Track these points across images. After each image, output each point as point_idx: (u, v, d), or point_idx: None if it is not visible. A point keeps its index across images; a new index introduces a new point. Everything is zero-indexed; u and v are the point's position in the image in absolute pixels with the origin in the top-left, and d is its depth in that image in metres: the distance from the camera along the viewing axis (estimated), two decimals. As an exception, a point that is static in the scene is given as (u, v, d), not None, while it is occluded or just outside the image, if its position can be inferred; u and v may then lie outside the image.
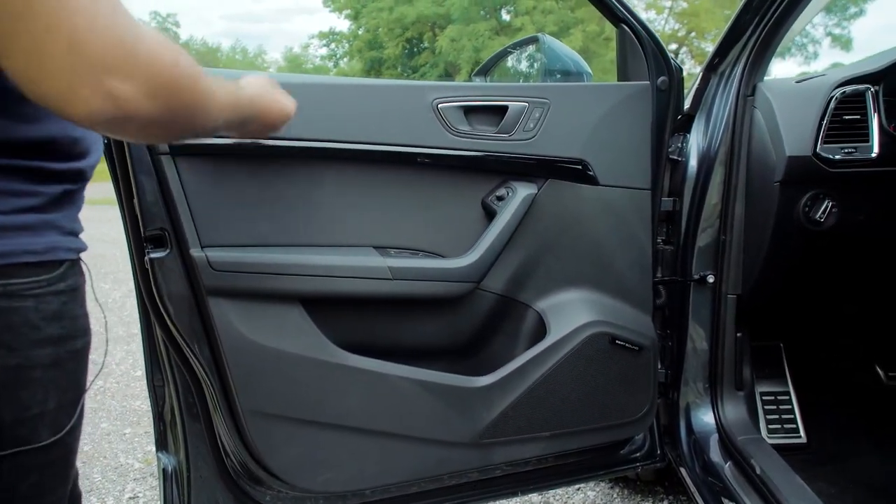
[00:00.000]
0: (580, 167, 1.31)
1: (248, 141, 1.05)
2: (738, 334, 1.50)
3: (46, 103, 0.51)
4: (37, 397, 0.66)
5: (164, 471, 1.23)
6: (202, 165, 1.07)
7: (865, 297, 1.54)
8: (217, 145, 1.06)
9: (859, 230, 1.40)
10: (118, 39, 0.51)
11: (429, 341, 1.30)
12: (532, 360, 1.27)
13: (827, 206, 1.37)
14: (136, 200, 1.07)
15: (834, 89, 1.34)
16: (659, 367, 1.44)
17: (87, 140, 0.71)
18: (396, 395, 1.20)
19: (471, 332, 1.33)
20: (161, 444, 1.27)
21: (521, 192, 1.26)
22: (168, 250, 1.09)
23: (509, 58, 1.61)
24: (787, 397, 1.68)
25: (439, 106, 1.21)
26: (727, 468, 1.40)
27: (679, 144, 1.51)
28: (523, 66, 1.66)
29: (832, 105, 1.32)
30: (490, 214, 1.28)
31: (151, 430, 1.30)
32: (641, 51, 1.35)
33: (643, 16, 1.36)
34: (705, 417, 1.53)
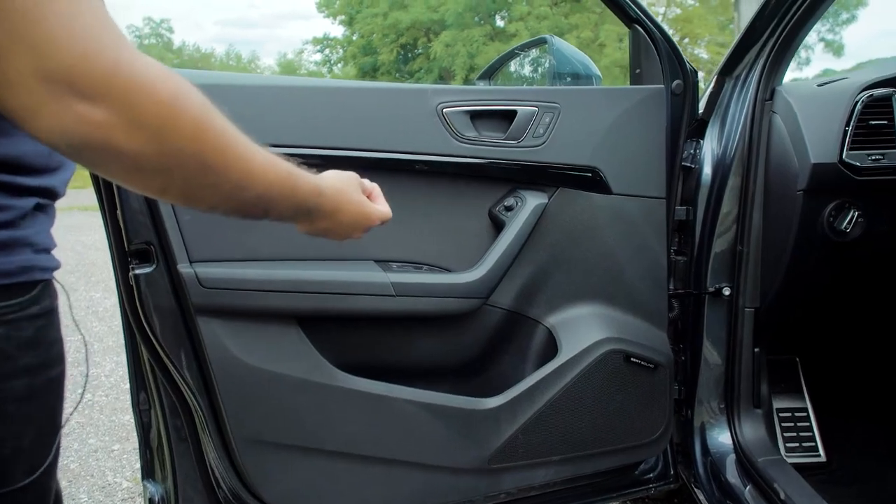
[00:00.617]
0: (592, 175, 1.24)
1: None
2: (756, 349, 1.43)
3: (10, 116, 0.45)
4: (10, 434, 0.60)
5: (151, 501, 1.15)
6: None
7: (889, 310, 1.47)
8: None
9: (886, 241, 1.33)
10: (94, 54, 0.44)
11: (433, 360, 1.23)
12: (543, 380, 1.20)
13: (853, 216, 1.30)
14: (119, 212, 1.00)
15: (859, 93, 1.27)
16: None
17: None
18: (400, 420, 1.12)
19: (477, 350, 1.26)
20: (147, 472, 1.19)
21: (531, 201, 1.19)
22: (154, 265, 1.01)
23: (514, 61, 1.54)
24: (804, 414, 1.61)
25: (445, 111, 1.14)
26: (748, 492, 1.33)
27: (692, 151, 1.45)
28: (527, 70, 1.59)
29: (858, 109, 1.26)
30: (498, 225, 1.21)
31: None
32: (655, 52, 1.28)
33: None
34: (721, 437, 1.46)
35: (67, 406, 0.69)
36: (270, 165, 0.60)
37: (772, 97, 1.35)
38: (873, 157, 1.26)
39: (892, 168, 1.27)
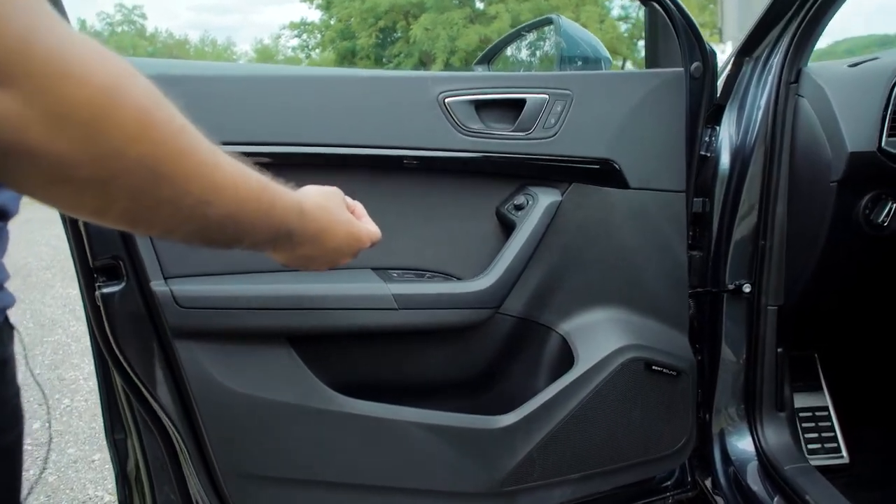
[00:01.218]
0: (608, 168, 1.13)
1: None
2: (779, 349, 1.34)
3: None
4: None
5: (130, 539, 1.04)
6: None
7: None
8: None
9: None
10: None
11: (438, 375, 1.12)
12: (559, 393, 1.09)
13: (891, 208, 1.20)
14: (81, 222, 0.87)
15: None
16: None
17: None
18: (405, 444, 1.01)
19: (486, 362, 1.15)
20: (126, 507, 1.08)
21: (544, 199, 1.08)
22: (123, 283, 0.89)
23: (514, 44, 1.42)
24: (825, 413, 1.53)
25: (447, 100, 1.03)
26: (776, 503, 1.25)
27: (707, 138, 1.34)
28: (531, 53, 1.48)
29: None
30: (507, 226, 1.10)
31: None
32: (674, 32, 1.17)
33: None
34: (743, 442, 1.37)
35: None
36: (241, 176, 0.48)
37: (797, 79, 1.25)
38: None
39: None
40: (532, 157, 1.08)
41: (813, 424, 1.52)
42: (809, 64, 1.26)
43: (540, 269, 1.13)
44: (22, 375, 0.57)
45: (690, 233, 1.33)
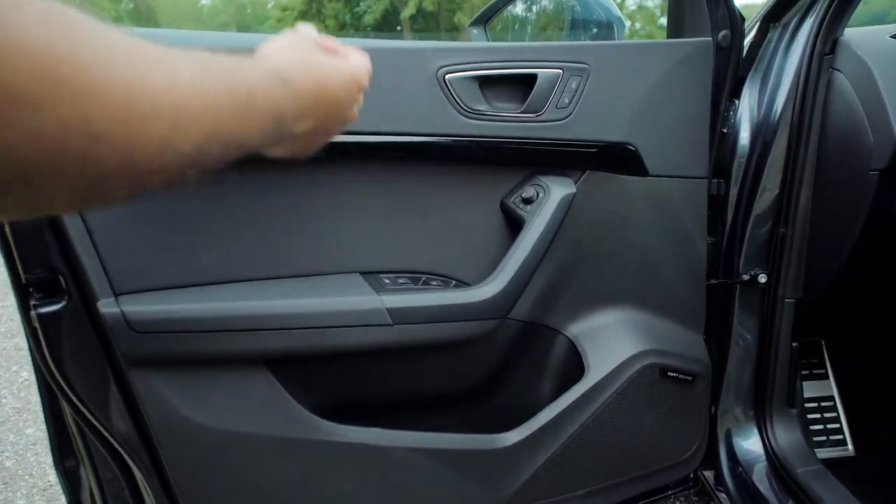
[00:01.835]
0: (626, 153, 1.00)
1: None
2: (794, 344, 1.26)
3: None
4: None
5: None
6: None
7: None
8: None
9: None
10: None
11: (436, 388, 1.00)
12: (568, 408, 0.99)
13: None
14: (8, 228, 0.72)
15: None
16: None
17: None
18: (401, 471, 0.90)
19: (488, 371, 1.04)
20: (81, 541, 0.95)
21: (556, 192, 0.94)
22: (64, 301, 0.74)
23: (516, 2, 1.25)
24: (831, 403, 1.46)
25: (447, 77, 0.87)
26: None
27: (725, 113, 1.21)
28: (527, 13, 1.31)
29: None
30: (513, 221, 0.96)
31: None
32: None
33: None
34: (751, 440, 1.30)
35: None
36: (204, 81, 0.35)
37: (832, 51, 1.11)
38: None
39: None
40: (543, 143, 0.94)
41: (819, 416, 1.45)
42: (847, 32, 1.13)
43: (547, 267, 1.00)
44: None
45: None
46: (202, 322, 0.75)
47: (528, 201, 0.94)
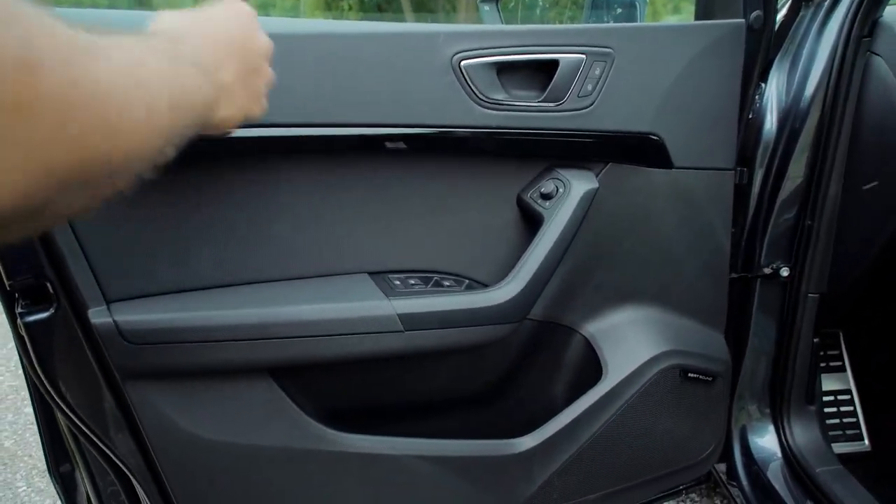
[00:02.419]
0: (650, 144, 0.94)
1: None
2: (816, 340, 1.21)
3: None
4: None
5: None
6: None
7: None
8: None
9: None
10: None
11: (446, 391, 0.96)
12: (586, 412, 0.95)
13: None
14: None
15: None
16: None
17: None
18: (411, 481, 0.86)
19: (501, 372, 0.99)
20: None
21: (578, 187, 0.89)
22: (52, 309, 0.69)
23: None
24: (848, 396, 1.43)
25: (463, 64, 0.81)
26: None
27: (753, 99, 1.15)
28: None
29: None
30: (530, 217, 0.91)
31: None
32: None
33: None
34: (766, 438, 1.26)
35: None
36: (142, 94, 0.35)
37: (871, 33, 1.04)
38: None
39: None
40: (564, 133, 0.88)
41: (835, 409, 1.42)
42: (888, 11, 1.06)
43: (564, 264, 0.95)
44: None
45: None
46: (203, 332, 0.70)
47: (546, 196, 0.89)
